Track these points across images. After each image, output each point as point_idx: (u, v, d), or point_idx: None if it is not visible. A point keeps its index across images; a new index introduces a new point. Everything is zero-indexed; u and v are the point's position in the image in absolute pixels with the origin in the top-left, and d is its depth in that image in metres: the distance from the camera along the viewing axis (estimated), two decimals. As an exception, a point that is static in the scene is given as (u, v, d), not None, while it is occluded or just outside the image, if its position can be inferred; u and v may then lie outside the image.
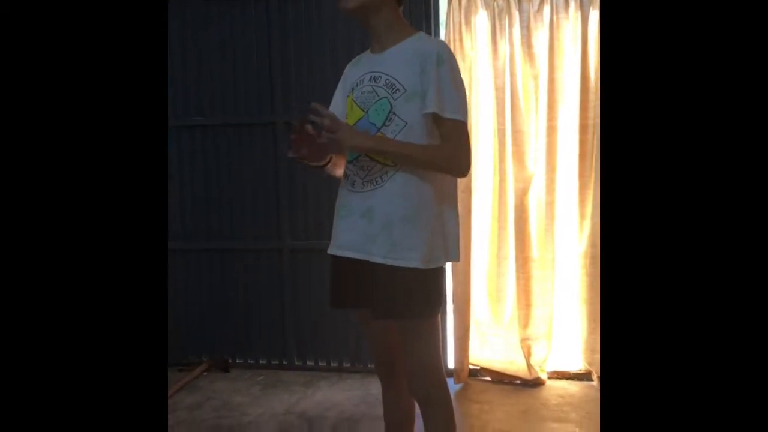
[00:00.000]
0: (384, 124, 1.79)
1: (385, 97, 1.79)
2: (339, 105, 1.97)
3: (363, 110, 1.83)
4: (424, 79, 1.76)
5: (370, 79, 1.84)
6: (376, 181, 1.80)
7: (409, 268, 1.76)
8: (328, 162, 1.93)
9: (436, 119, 1.77)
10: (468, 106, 3.19)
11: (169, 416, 3.01)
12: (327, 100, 2.06)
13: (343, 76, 2.00)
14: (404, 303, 1.79)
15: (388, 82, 1.80)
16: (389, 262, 1.77)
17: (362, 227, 1.81)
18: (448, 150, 1.79)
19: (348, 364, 3.62)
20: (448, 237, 1.86)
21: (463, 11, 3.24)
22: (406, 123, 1.77)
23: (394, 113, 1.78)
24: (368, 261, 1.80)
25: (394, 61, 1.82)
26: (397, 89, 1.78)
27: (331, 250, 1.92)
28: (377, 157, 1.79)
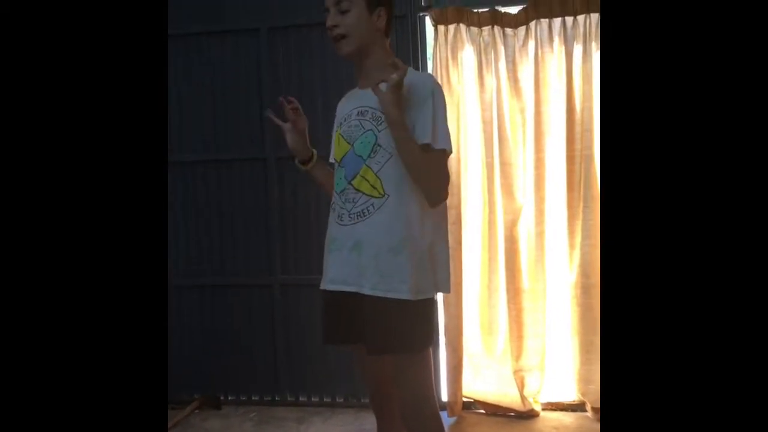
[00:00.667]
0: (369, 156, 1.82)
1: (371, 130, 1.83)
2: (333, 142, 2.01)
3: (349, 143, 1.87)
4: (414, 112, 1.80)
5: (357, 114, 1.88)
6: (363, 214, 1.82)
7: (398, 300, 1.77)
8: (310, 159, 2.05)
9: (424, 148, 1.80)
10: (455, 141, 3.25)
11: (161, 455, 2.97)
12: (317, 135, 2.09)
13: (336, 113, 2.04)
14: (395, 336, 1.80)
15: (374, 115, 1.84)
16: (378, 293, 1.78)
17: (351, 260, 1.83)
18: (433, 174, 1.83)
19: (341, 399, 3.59)
20: (438, 268, 1.87)
21: (449, 46, 3.30)
22: (392, 155, 1.80)
23: (379, 145, 1.81)
24: (359, 294, 1.81)
25: None
26: (383, 122, 1.82)
27: (323, 285, 1.93)
28: (363, 189, 1.82)
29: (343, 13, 1.84)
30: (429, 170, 1.81)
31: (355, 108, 1.90)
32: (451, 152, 1.87)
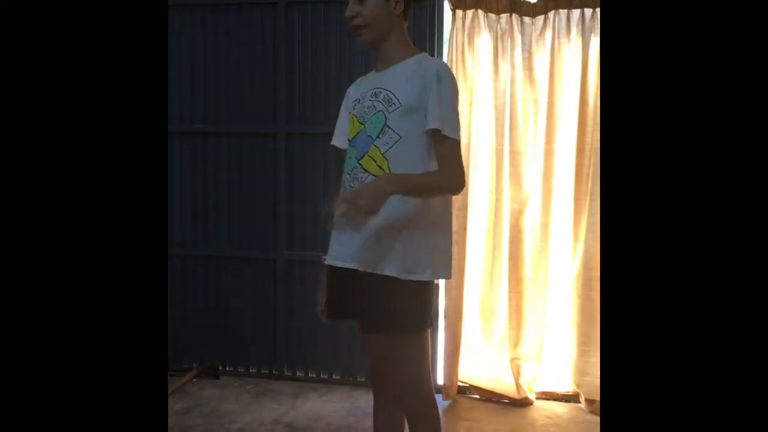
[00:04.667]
0: (378, 137, 1.84)
1: (381, 111, 1.84)
2: (344, 123, 2.02)
3: (362, 123, 1.89)
4: (423, 96, 1.81)
5: (371, 95, 1.89)
6: None
7: (392, 278, 1.79)
8: None
9: (434, 136, 1.81)
10: (467, 126, 3.26)
11: (158, 421, 3.02)
12: (329, 112, 2.10)
13: (345, 97, 2.05)
14: (389, 316, 1.82)
15: (386, 96, 1.85)
16: (374, 270, 1.80)
17: (354, 237, 1.84)
18: (447, 172, 1.84)
19: (337, 376, 3.63)
20: (438, 253, 1.89)
21: (466, 32, 3.29)
22: (400, 137, 1.82)
23: (388, 126, 1.83)
24: (358, 271, 1.83)
25: (395, 77, 1.87)
26: (393, 103, 1.83)
27: (327, 261, 1.95)
28: (370, 169, 1.84)
29: (362, 1, 1.84)
30: (443, 182, 1.83)
31: (370, 90, 1.91)
32: (460, 140, 1.86)
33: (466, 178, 1.90)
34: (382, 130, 1.83)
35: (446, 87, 1.82)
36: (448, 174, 1.84)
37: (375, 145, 1.84)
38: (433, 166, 1.84)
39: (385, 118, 1.83)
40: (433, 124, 1.80)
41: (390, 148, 1.82)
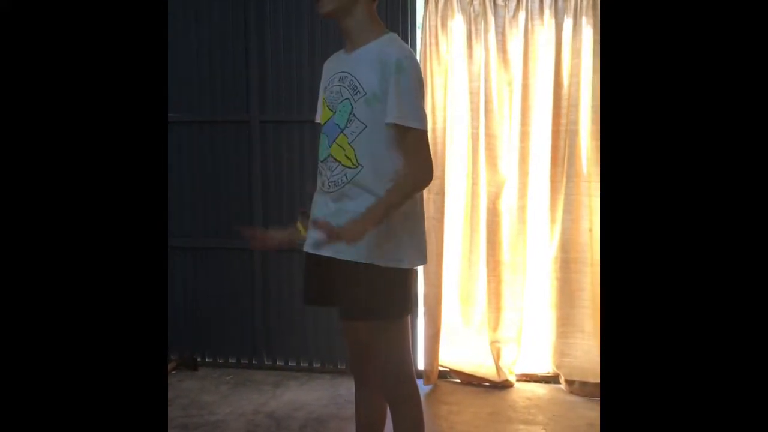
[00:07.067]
0: (346, 126, 1.82)
1: (348, 99, 1.81)
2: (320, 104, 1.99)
3: (331, 110, 1.87)
4: (384, 86, 1.77)
5: (338, 80, 1.86)
6: (338, 183, 1.83)
7: (374, 266, 1.78)
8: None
9: (398, 128, 1.78)
10: (442, 110, 3.24)
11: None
12: (302, 100, 2.07)
13: (322, 73, 2.02)
14: (366, 303, 1.82)
15: (351, 83, 1.82)
16: (347, 258, 1.80)
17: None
18: (413, 169, 1.80)
19: (318, 365, 3.62)
20: (416, 241, 1.88)
21: (439, 15, 3.26)
22: (366, 126, 1.79)
23: (354, 115, 1.80)
24: (337, 259, 1.81)
25: (360, 62, 1.83)
26: (358, 91, 1.80)
27: (305, 248, 1.94)
28: (339, 158, 1.82)
29: None
30: (411, 185, 1.80)
31: (338, 73, 1.88)
32: (425, 129, 1.82)
33: (435, 166, 1.87)
34: (348, 119, 1.81)
35: (407, 77, 1.76)
36: (413, 171, 1.80)
37: (343, 134, 1.82)
38: (399, 155, 1.81)
39: (351, 107, 1.81)
40: (391, 118, 1.76)
41: (356, 137, 1.80)
